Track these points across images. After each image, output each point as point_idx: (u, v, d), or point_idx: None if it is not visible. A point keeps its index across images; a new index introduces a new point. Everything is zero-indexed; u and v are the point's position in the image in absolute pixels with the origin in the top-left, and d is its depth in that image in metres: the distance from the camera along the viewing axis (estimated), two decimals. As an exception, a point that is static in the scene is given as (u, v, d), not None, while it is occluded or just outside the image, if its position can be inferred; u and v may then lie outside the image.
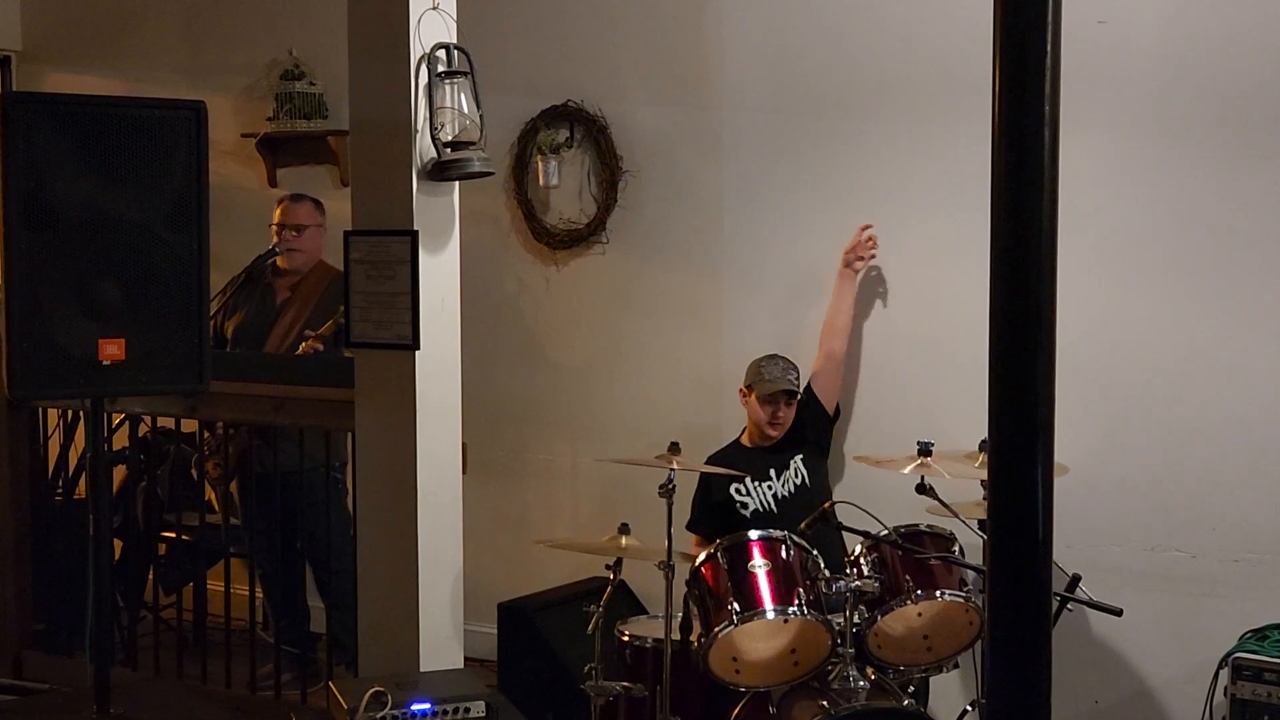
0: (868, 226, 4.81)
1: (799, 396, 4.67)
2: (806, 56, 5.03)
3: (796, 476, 4.67)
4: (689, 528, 4.75)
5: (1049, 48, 1.63)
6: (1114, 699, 4.59)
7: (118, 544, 5.35)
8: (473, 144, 4.21)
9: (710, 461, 4.64)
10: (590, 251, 5.51)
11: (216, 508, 5.38)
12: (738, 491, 4.67)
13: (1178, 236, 4.45)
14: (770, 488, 4.66)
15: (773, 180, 5.11)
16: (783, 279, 5.12)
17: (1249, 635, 4.13)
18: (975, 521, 3.89)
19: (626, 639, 4.14)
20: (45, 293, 3.68)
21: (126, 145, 3.76)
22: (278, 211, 5.42)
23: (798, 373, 4.69)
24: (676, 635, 3.90)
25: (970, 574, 3.85)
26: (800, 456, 4.70)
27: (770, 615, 3.72)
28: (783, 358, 4.71)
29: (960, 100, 4.66)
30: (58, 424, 5.35)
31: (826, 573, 3.79)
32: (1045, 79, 1.63)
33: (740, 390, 4.75)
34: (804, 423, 4.73)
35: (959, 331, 4.66)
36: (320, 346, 5.00)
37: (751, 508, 4.66)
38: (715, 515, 4.71)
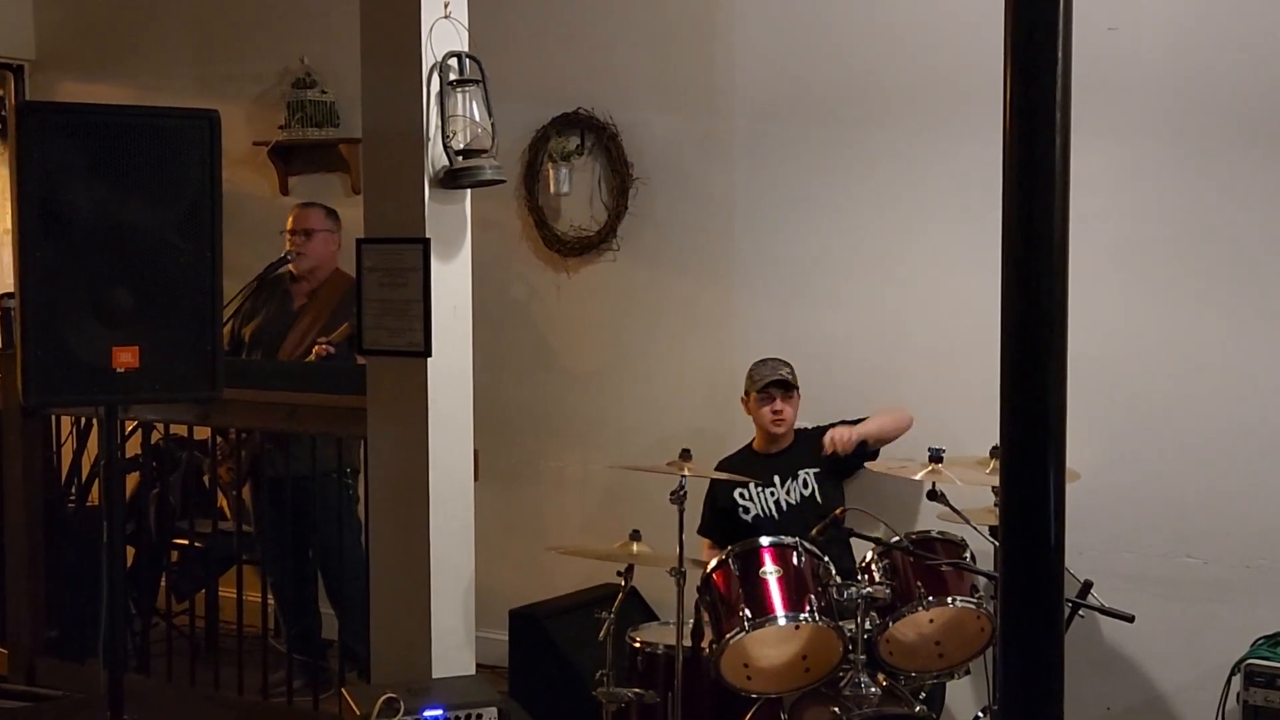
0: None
1: (797, 390, 4.68)
2: (816, 63, 5.04)
3: (805, 488, 4.66)
4: (700, 532, 4.76)
5: (1060, 54, 1.62)
6: (1126, 705, 4.58)
7: (130, 551, 5.36)
8: (484, 152, 4.22)
9: (720, 466, 4.65)
10: (601, 258, 5.52)
11: (228, 515, 5.39)
12: (740, 496, 4.68)
13: (1188, 242, 4.45)
14: (773, 494, 4.66)
15: (783, 187, 5.12)
16: (793, 285, 5.12)
17: (1261, 641, 4.13)
18: (986, 528, 3.88)
19: (638, 645, 4.15)
20: (59, 300, 3.68)
21: (140, 154, 3.77)
22: (290, 218, 5.45)
23: (790, 368, 4.70)
24: (688, 642, 3.90)
25: (982, 580, 3.85)
26: (815, 471, 4.68)
27: (782, 622, 3.72)
28: (772, 358, 4.72)
29: (970, 106, 4.67)
30: (71, 431, 5.37)
31: (838, 579, 3.79)
32: (1056, 85, 1.63)
33: (741, 400, 4.77)
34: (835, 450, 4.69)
35: (969, 338, 4.66)
36: (332, 349, 5.02)
37: (753, 513, 4.66)
38: (720, 520, 4.72)
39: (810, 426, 4.80)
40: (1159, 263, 4.49)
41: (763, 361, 4.74)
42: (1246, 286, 4.38)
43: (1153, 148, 4.48)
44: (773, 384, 4.65)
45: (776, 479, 4.69)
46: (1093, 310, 4.33)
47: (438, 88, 4.16)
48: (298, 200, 5.83)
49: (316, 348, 5.08)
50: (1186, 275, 4.46)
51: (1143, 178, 4.50)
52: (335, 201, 5.72)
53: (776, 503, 4.66)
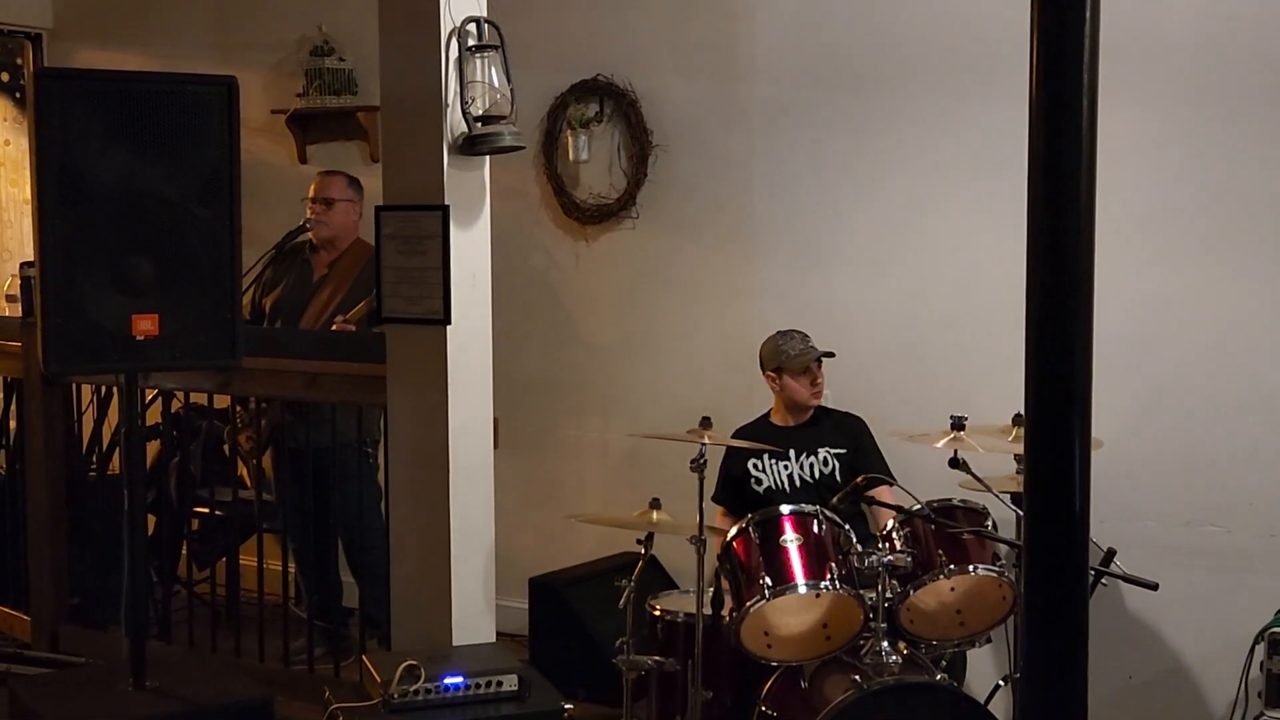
0: None
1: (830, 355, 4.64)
2: (837, 29, 5.00)
3: (826, 466, 4.61)
4: (714, 499, 4.73)
5: (1087, 18, 1.60)
6: (1148, 674, 4.57)
7: (151, 519, 5.38)
8: (503, 118, 4.21)
9: (736, 435, 4.63)
10: (620, 226, 5.50)
11: (248, 483, 5.41)
12: (754, 467, 4.65)
13: (1215, 209, 4.41)
14: (787, 468, 4.63)
15: (803, 154, 5.09)
16: (813, 253, 5.10)
17: (1285, 610, 4.12)
18: (1008, 496, 3.88)
19: (658, 613, 4.15)
20: (79, 268, 3.69)
21: (159, 121, 3.76)
22: (312, 186, 5.44)
23: (810, 336, 4.67)
24: (708, 610, 3.90)
25: (1003, 549, 3.83)
26: (840, 452, 4.63)
27: (802, 590, 3.71)
28: (795, 331, 4.67)
29: (995, 72, 4.62)
30: (91, 399, 5.38)
31: (859, 547, 3.78)
32: (1084, 50, 1.61)
33: (768, 376, 4.69)
34: (865, 451, 4.66)
35: (992, 306, 4.63)
36: (352, 328, 5.01)
37: (765, 484, 4.63)
38: (733, 489, 4.70)
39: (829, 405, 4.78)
40: (1186, 229, 4.45)
41: (786, 336, 4.66)
42: (1273, 254, 4.34)
43: (1180, 113, 4.43)
44: (814, 360, 4.61)
45: (792, 453, 4.65)
46: (1118, 277, 4.30)
47: (456, 53, 4.14)
48: (316, 168, 5.82)
49: (335, 325, 5.07)
50: (1213, 242, 4.42)
51: (1170, 144, 4.46)
52: (354, 169, 5.70)
53: (790, 476, 4.63)
